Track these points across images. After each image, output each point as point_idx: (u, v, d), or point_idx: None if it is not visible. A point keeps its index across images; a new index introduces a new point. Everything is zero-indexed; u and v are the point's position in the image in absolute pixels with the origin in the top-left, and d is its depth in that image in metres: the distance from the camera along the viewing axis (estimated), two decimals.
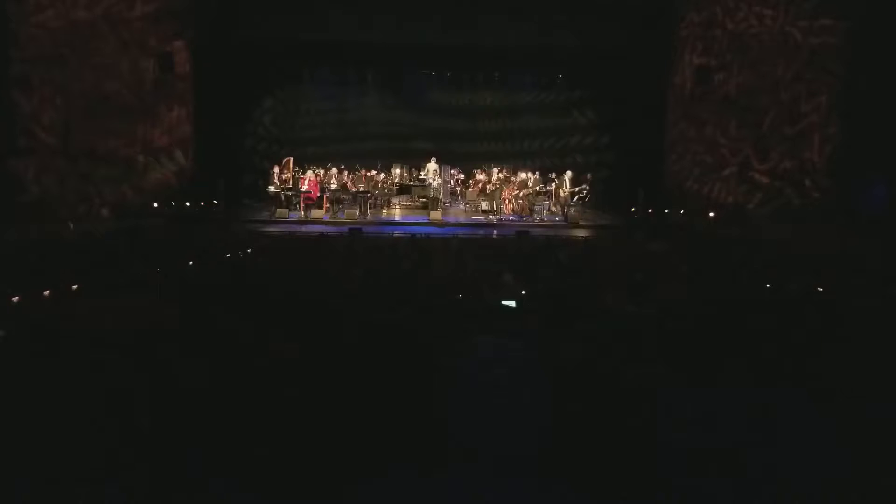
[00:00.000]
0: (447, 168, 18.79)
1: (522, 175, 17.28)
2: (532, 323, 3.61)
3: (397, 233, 13.33)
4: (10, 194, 12.18)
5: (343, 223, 15.36)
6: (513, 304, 4.80)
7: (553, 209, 17.39)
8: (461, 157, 19.66)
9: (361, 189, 16.81)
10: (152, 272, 6.58)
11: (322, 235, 11.69)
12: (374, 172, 17.64)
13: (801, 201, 14.31)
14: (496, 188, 17.11)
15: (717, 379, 2.28)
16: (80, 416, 1.67)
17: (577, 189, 16.69)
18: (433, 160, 17.92)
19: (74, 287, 5.42)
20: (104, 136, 14.74)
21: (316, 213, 16.19)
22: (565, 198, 16.75)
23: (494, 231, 14.78)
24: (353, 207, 16.57)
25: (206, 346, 2.97)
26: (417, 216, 16.93)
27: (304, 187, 16.32)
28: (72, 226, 11.87)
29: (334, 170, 17.12)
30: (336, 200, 16.75)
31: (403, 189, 17.96)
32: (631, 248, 10.73)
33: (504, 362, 1.24)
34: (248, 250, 9.78)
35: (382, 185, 17.56)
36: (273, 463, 1.93)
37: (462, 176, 18.94)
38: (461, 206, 18.54)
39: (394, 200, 18.07)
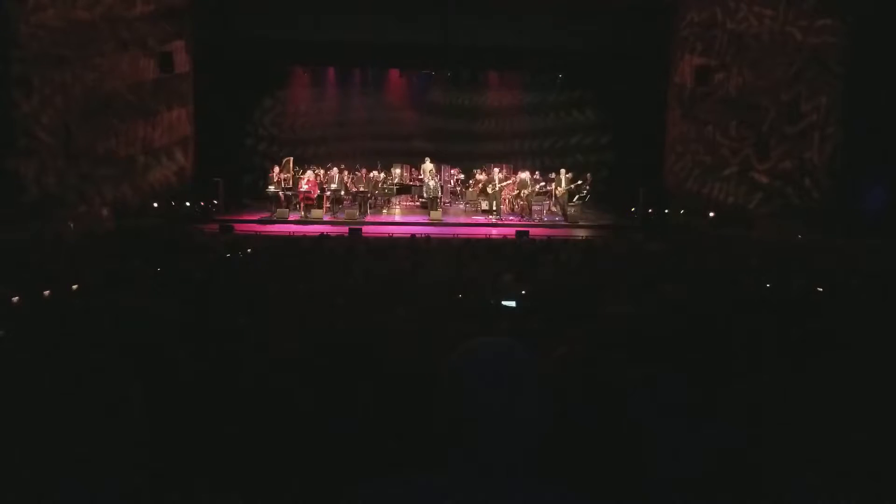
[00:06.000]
0: (446, 168, 18.83)
1: (522, 175, 17.29)
2: (532, 323, 3.61)
3: (397, 233, 13.33)
4: (10, 194, 12.16)
5: (343, 223, 15.38)
6: (513, 304, 4.80)
7: (553, 209, 17.40)
8: (461, 157, 19.68)
9: (361, 189, 16.82)
10: (151, 271, 6.58)
11: (322, 235, 11.69)
12: (374, 172, 17.65)
13: (801, 201, 14.30)
14: (496, 188, 17.12)
15: (717, 379, 2.28)
16: (78, 416, 1.67)
17: (576, 187, 16.70)
18: (427, 160, 17.93)
19: (74, 287, 5.42)
20: (104, 136, 14.74)
21: (316, 213, 16.19)
22: (565, 197, 16.77)
23: (492, 231, 14.78)
24: (353, 207, 16.57)
25: (204, 345, 2.97)
26: (417, 216, 16.96)
27: (304, 187, 16.33)
28: (72, 226, 11.86)
29: (334, 170, 17.13)
30: (336, 200, 16.76)
31: (403, 189, 17.98)
32: (631, 247, 10.74)
33: (504, 363, 1.24)
34: (248, 250, 9.78)
35: (382, 185, 17.58)
36: (272, 463, 1.93)
37: (462, 176, 18.95)
38: (461, 206, 18.55)
39: (394, 200, 18.10)
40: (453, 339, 2.53)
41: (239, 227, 14.21)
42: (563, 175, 16.86)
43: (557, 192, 16.87)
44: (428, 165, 17.79)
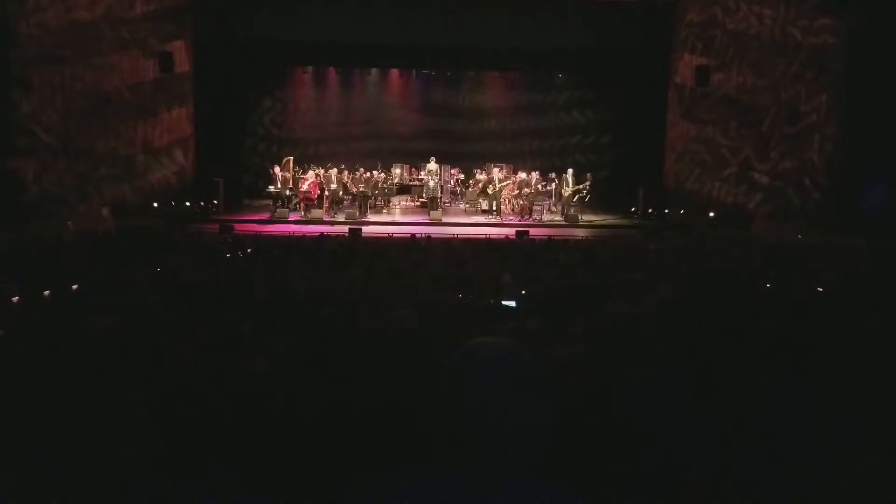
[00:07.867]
0: (447, 168, 18.84)
1: (522, 175, 17.30)
2: (532, 323, 3.61)
3: (397, 233, 13.32)
4: (10, 194, 12.17)
5: (343, 223, 15.38)
6: (513, 304, 4.80)
7: (553, 209, 17.41)
8: (461, 157, 19.69)
9: (361, 189, 16.82)
10: (151, 271, 6.58)
11: (322, 235, 11.69)
12: (374, 172, 17.66)
13: (801, 201, 14.31)
14: (496, 188, 17.12)
15: (717, 379, 2.28)
16: (78, 417, 1.67)
17: (577, 189, 16.71)
18: (432, 160, 17.95)
19: (74, 287, 5.41)
20: (104, 136, 14.75)
21: (316, 213, 16.19)
22: (566, 198, 16.77)
23: (492, 231, 14.77)
24: (353, 207, 16.58)
25: (205, 345, 2.97)
26: (418, 216, 16.97)
27: (304, 187, 16.33)
28: (72, 226, 11.86)
29: (334, 170, 17.14)
30: (336, 200, 16.76)
31: (403, 189, 17.99)
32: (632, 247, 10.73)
33: (504, 363, 1.24)
34: (248, 250, 9.77)
35: (382, 185, 17.58)
36: (272, 463, 1.93)
37: (462, 176, 18.96)
38: (461, 206, 18.55)
39: (394, 200, 18.11)
40: (453, 339, 2.53)
41: (239, 227, 14.20)
42: (571, 175, 16.86)
43: (563, 191, 16.88)
44: (433, 165, 17.82)
